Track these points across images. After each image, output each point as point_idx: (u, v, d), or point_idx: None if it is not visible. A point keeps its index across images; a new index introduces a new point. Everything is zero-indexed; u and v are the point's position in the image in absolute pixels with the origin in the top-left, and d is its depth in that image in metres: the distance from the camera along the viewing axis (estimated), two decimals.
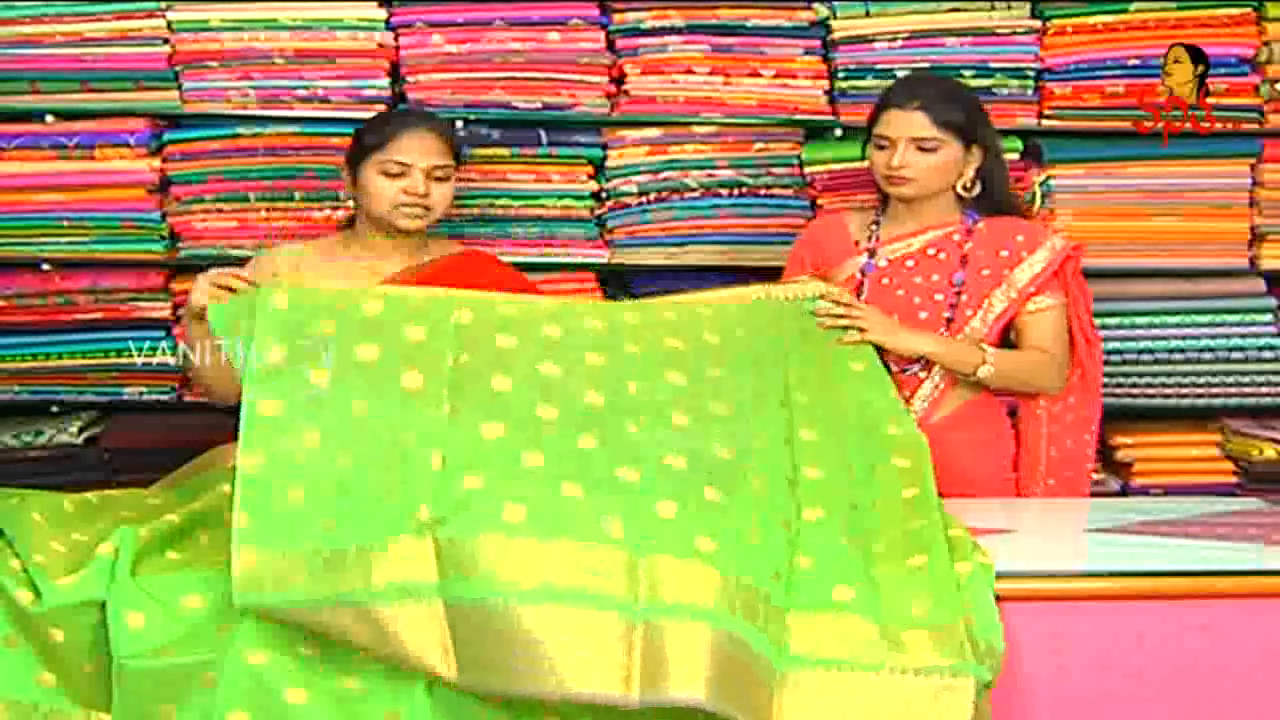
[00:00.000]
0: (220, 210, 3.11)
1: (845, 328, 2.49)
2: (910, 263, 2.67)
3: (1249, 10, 3.13)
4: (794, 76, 3.14)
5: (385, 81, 3.10)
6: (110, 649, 1.86)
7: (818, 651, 1.87)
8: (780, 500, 2.07)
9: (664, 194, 3.17)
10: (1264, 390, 3.24)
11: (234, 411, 2.02)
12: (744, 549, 1.92)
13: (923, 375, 2.60)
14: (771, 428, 2.21)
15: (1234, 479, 3.23)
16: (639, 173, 3.15)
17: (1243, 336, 3.21)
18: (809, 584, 1.95)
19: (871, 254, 2.69)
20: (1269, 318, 3.22)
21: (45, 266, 3.10)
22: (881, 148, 2.63)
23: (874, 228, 2.73)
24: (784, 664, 1.86)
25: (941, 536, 2.04)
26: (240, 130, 3.08)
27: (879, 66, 3.11)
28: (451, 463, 1.94)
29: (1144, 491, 3.22)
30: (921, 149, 2.59)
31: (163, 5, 3.05)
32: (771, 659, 1.85)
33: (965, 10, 3.15)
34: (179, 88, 3.08)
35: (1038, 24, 3.13)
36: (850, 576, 1.97)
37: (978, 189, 2.66)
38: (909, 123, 2.59)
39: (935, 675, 1.84)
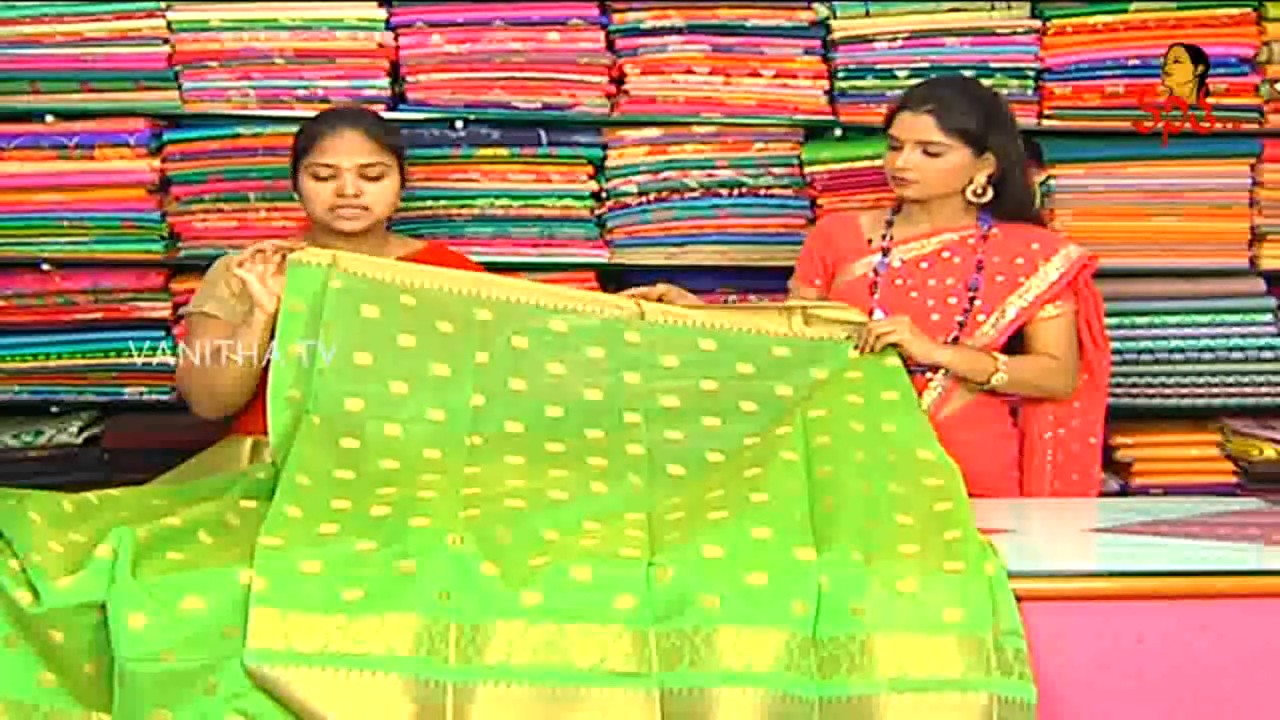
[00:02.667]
0: (220, 210, 3.11)
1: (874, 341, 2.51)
2: (924, 264, 2.67)
3: (1249, 10, 3.13)
4: (794, 76, 3.14)
5: (385, 81, 3.10)
6: (111, 650, 1.86)
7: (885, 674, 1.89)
8: (801, 531, 2.05)
9: (664, 194, 3.17)
10: (1264, 390, 3.24)
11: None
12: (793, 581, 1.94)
13: (930, 375, 2.60)
14: (794, 459, 2.21)
15: (1234, 479, 3.23)
16: (639, 173, 3.15)
17: (1243, 336, 3.21)
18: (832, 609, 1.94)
19: (885, 253, 2.69)
20: (1269, 318, 3.22)
21: (45, 266, 3.10)
22: (893, 148, 2.63)
23: (887, 227, 2.72)
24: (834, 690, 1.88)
25: (976, 548, 2.01)
26: (240, 130, 3.08)
27: (879, 66, 3.11)
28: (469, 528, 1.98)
29: (1144, 491, 3.22)
30: (927, 153, 2.59)
31: (163, 5, 3.05)
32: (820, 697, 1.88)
33: (965, 10, 3.15)
34: (179, 88, 3.08)
35: (1038, 24, 3.13)
36: (870, 593, 1.95)
37: (989, 195, 2.65)
38: (916, 126, 2.59)
39: (957, 690, 1.86)
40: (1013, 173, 2.66)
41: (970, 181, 2.63)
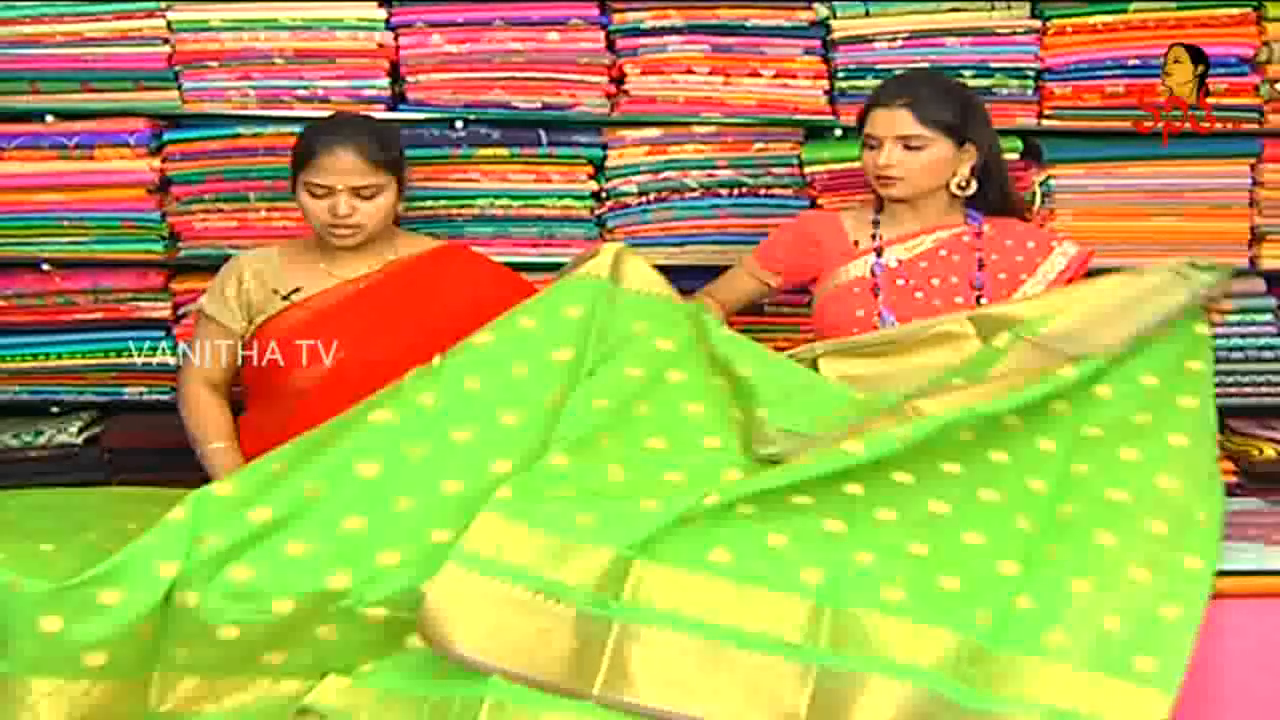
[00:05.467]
0: (220, 210, 3.11)
1: None
2: (923, 264, 2.66)
3: (1249, 10, 3.13)
4: (794, 76, 3.14)
5: (385, 81, 3.10)
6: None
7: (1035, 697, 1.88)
8: (1012, 545, 2.03)
9: (664, 194, 3.17)
10: (1264, 390, 3.24)
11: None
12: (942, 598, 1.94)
13: None
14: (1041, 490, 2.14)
15: (1234, 479, 3.22)
16: (639, 173, 3.15)
17: (1243, 336, 3.21)
18: (1024, 625, 1.94)
19: (879, 253, 2.69)
20: (1269, 318, 3.22)
21: (45, 266, 3.10)
22: (871, 148, 2.63)
23: (874, 228, 2.72)
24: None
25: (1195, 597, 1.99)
26: (240, 130, 3.08)
27: (879, 66, 3.11)
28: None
29: None
30: (908, 147, 2.59)
31: (163, 5, 3.05)
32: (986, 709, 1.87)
33: (965, 10, 3.15)
34: (179, 88, 3.08)
35: (1038, 24, 3.13)
36: (1067, 623, 1.94)
37: (973, 188, 2.66)
38: (894, 121, 2.59)
39: None
40: (994, 163, 2.67)
41: (954, 175, 2.63)
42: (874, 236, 2.71)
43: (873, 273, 2.67)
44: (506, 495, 2.00)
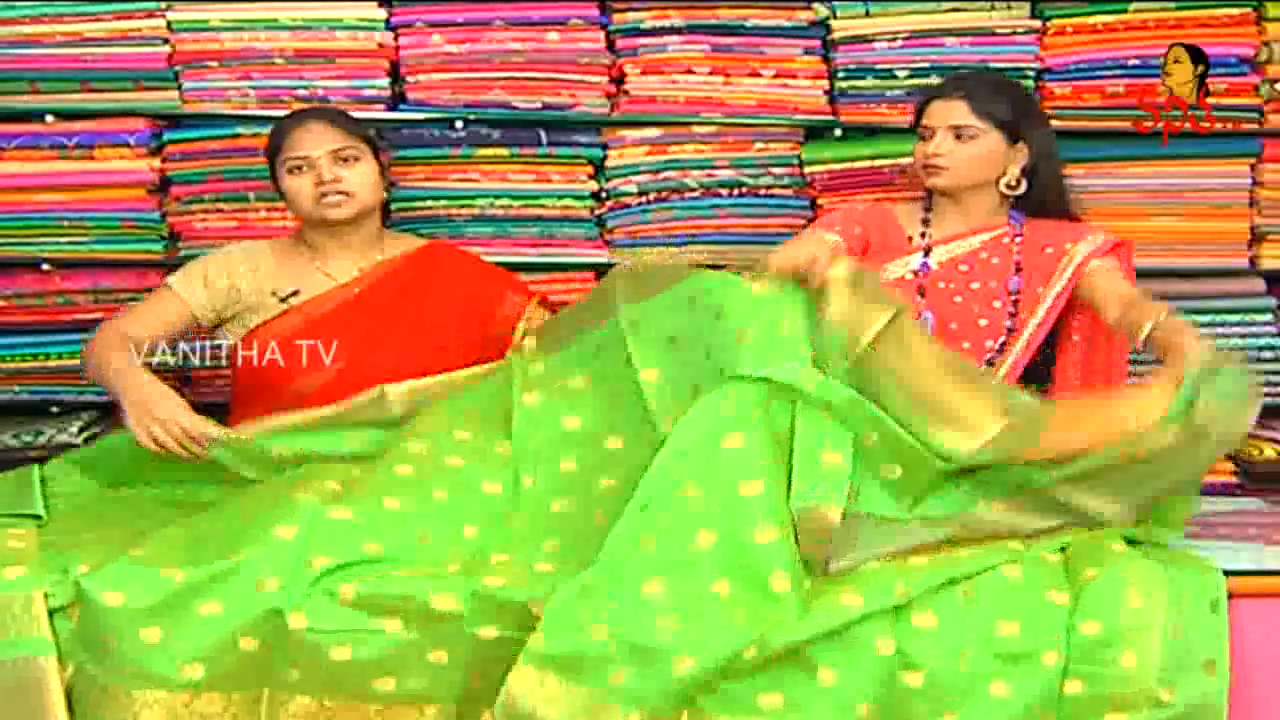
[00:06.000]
0: (220, 210, 3.11)
1: None
2: (964, 266, 2.65)
3: (1249, 10, 3.12)
4: (794, 76, 3.13)
5: (385, 81, 3.10)
6: None
7: None
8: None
9: (664, 194, 3.17)
10: (1264, 391, 3.22)
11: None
12: None
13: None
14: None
15: (1234, 479, 3.21)
16: (639, 173, 3.15)
17: (1243, 336, 3.21)
18: None
19: (926, 252, 2.67)
20: (1269, 318, 3.21)
21: (45, 266, 3.10)
22: (923, 138, 2.62)
23: (925, 225, 2.70)
24: None
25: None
26: (240, 130, 3.08)
27: (879, 66, 3.11)
28: None
29: None
30: (959, 137, 2.58)
31: (163, 5, 3.05)
32: None
33: (965, 10, 3.14)
34: (179, 88, 3.08)
35: (1038, 24, 3.13)
36: None
37: (1023, 188, 2.63)
38: (948, 110, 2.59)
39: None
40: (1047, 165, 2.65)
41: (1004, 173, 2.62)
42: (924, 235, 2.70)
43: (917, 274, 2.65)
44: (539, 646, 1.96)
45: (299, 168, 2.60)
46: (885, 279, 2.60)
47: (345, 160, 2.61)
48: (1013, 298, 2.61)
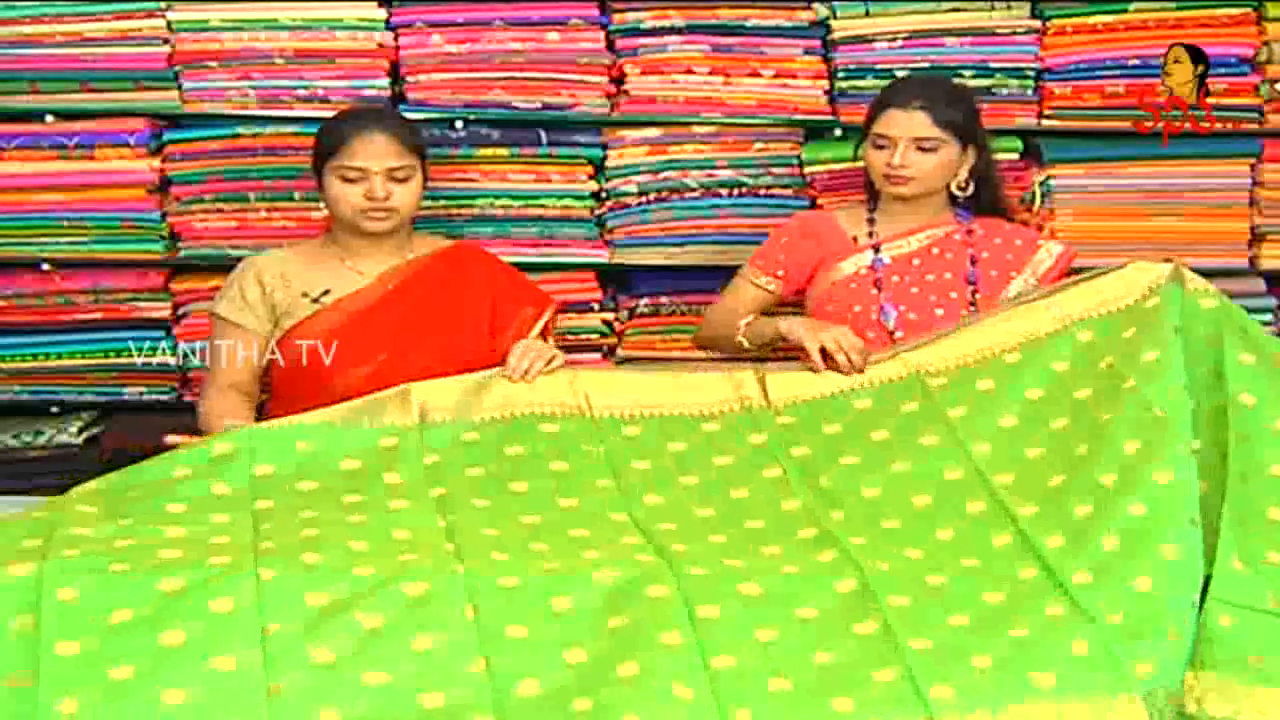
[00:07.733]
0: (220, 210, 3.10)
1: None
2: (916, 261, 2.70)
3: (1249, 10, 3.13)
4: (794, 76, 3.14)
5: (385, 81, 3.10)
6: None
7: None
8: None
9: (664, 194, 3.17)
10: None
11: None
12: None
13: None
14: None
15: None
16: (639, 173, 3.15)
17: None
18: None
19: (876, 250, 2.71)
20: (1269, 318, 3.21)
21: (45, 266, 3.10)
22: (880, 147, 2.65)
23: (870, 225, 2.75)
24: None
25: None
26: (240, 130, 3.08)
27: (879, 66, 3.11)
28: None
29: None
30: (922, 149, 2.62)
31: (163, 5, 3.05)
32: None
33: (965, 10, 3.14)
34: (179, 88, 3.08)
35: (1038, 24, 3.13)
36: None
37: (971, 188, 2.70)
38: (910, 122, 2.61)
39: None
40: (988, 165, 2.74)
41: (955, 175, 2.67)
42: (870, 234, 2.73)
43: (873, 267, 2.69)
44: None
45: (352, 177, 2.57)
46: (835, 278, 2.69)
47: (399, 179, 2.58)
48: (971, 288, 2.67)
